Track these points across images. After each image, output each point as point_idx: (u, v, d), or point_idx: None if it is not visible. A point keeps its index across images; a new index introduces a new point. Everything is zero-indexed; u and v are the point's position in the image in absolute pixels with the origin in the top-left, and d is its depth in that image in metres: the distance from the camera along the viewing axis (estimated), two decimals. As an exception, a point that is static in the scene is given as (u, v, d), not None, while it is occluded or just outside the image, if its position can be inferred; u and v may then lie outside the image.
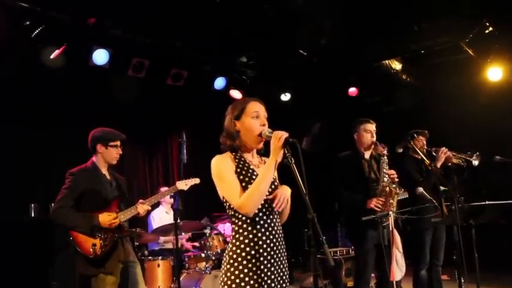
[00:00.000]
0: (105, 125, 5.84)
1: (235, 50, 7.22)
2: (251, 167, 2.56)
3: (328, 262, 2.38)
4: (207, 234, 5.73)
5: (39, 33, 5.55)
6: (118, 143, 4.11)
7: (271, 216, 2.53)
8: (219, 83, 7.40)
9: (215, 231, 5.89)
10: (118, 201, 4.08)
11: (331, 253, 6.73)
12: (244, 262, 2.44)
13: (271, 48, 6.97)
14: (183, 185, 4.51)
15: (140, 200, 4.16)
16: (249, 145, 2.61)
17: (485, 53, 6.89)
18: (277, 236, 2.53)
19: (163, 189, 6.13)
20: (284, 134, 2.43)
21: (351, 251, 6.44)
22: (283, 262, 2.56)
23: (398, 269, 3.96)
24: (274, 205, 2.51)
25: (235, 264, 2.45)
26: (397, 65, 7.23)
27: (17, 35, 5.54)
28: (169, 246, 6.00)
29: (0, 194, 5.13)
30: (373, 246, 4.41)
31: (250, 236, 2.47)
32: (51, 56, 5.79)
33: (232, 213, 2.53)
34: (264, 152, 2.65)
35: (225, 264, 2.50)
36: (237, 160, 2.55)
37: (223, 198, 2.54)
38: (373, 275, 4.64)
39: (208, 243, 5.69)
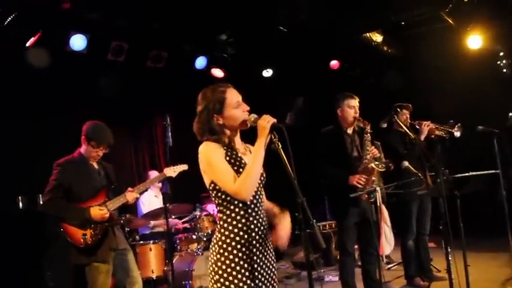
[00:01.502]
0: (89, 112, 5.80)
1: (215, 28, 7.12)
2: (239, 154, 2.55)
3: (319, 244, 2.43)
4: (197, 216, 5.77)
5: (12, 21, 5.41)
6: (100, 146, 4.06)
7: (257, 204, 2.53)
8: (200, 62, 7.33)
9: (205, 213, 5.93)
10: (106, 190, 4.09)
11: (320, 227, 6.84)
12: (235, 251, 2.44)
13: (250, 25, 6.90)
14: (172, 171, 4.52)
15: (129, 188, 4.17)
16: (234, 132, 2.59)
17: (465, 21, 6.90)
18: (262, 221, 2.54)
19: (152, 172, 6.14)
20: (272, 118, 2.44)
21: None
22: (270, 246, 2.59)
23: (387, 243, 4.06)
24: (277, 243, 2.59)
25: (225, 253, 2.44)
26: (377, 37, 7.21)
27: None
28: (160, 229, 6.02)
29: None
30: (354, 224, 4.48)
31: (240, 224, 2.47)
32: (27, 44, 5.66)
33: (220, 201, 2.51)
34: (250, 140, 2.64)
35: (215, 253, 2.48)
36: (225, 148, 2.53)
37: (212, 185, 2.51)
38: (356, 246, 4.75)
39: (198, 225, 5.74)
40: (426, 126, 5.16)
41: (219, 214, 2.57)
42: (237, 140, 2.63)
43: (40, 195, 5.21)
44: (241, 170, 2.48)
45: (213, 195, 2.55)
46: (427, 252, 5.43)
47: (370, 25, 6.90)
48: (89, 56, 6.19)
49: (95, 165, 4.15)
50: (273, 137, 2.45)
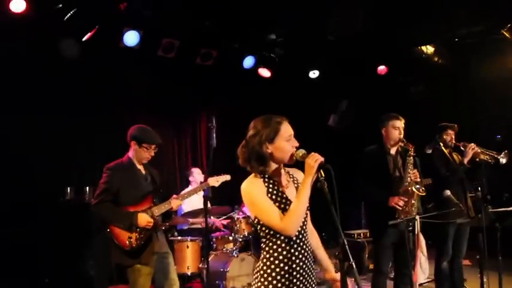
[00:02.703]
0: (136, 107, 5.94)
1: (264, 27, 7.15)
2: (280, 189, 2.62)
3: (357, 285, 2.50)
4: (235, 218, 5.91)
5: (72, 16, 5.62)
6: (152, 146, 4.20)
7: (300, 235, 2.60)
8: (248, 62, 7.38)
9: (242, 215, 6.05)
10: (152, 195, 4.22)
11: (355, 235, 6.87)
12: (275, 282, 2.53)
13: (300, 27, 6.89)
14: (215, 181, 4.66)
15: (174, 196, 4.32)
16: (279, 164, 2.65)
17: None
18: (305, 252, 2.62)
19: (194, 170, 6.33)
20: (320, 157, 2.50)
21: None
22: (312, 276, 2.67)
23: (421, 272, 4.07)
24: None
25: (266, 282, 2.55)
26: (429, 49, 7.06)
27: (49, 18, 5.63)
28: (198, 226, 6.20)
29: (38, 178, 5.32)
30: (391, 244, 4.50)
31: (281, 256, 2.55)
32: (83, 39, 5.87)
33: (264, 234, 2.60)
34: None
35: (256, 281, 2.60)
36: (266, 183, 2.60)
37: (256, 219, 2.60)
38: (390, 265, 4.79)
39: (236, 227, 5.87)
40: (471, 150, 5.04)
41: (262, 244, 2.66)
42: (281, 172, 2.68)
43: (87, 188, 5.47)
44: (282, 205, 2.56)
45: (258, 228, 2.64)
46: (461, 274, 5.39)
47: (423, 39, 6.76)
48: (141, 52, 6.36)
49: (143, 171, 4.29)
50: (319, 175, 2.50)
